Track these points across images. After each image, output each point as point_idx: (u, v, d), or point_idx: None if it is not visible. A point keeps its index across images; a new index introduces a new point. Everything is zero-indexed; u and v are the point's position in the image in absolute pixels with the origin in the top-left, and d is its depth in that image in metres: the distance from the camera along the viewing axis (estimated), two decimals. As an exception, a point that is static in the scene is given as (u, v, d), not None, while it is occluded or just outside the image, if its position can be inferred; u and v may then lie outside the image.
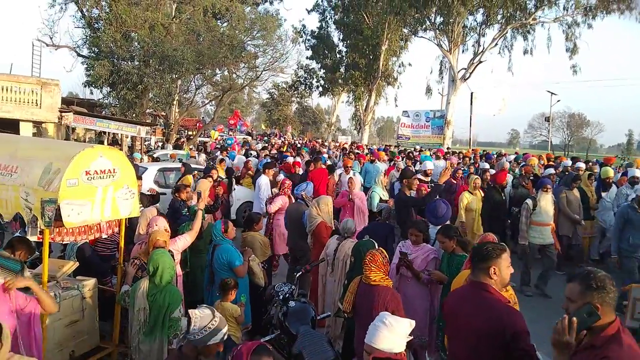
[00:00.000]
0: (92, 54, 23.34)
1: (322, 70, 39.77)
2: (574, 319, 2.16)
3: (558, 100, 42.06)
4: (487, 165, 11.08)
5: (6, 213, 3.71)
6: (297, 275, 5.11)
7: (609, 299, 2.21)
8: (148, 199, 7.25)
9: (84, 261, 4.96)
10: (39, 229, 3.63)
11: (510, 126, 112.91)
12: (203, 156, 16.66)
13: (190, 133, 34.94)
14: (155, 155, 16.62)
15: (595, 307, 2.17)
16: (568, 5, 25.48)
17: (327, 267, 5.37)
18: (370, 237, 4.84)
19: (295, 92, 44.17)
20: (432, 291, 4.85)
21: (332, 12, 37.76)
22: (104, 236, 4.66)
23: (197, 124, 35.96)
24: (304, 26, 38.45)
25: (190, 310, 2.77)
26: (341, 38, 37.87)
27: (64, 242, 4.69)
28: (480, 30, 27.52)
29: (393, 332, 2.58)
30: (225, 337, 2.79)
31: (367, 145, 25.67)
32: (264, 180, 9.56)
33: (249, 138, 29.83)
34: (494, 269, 2.82)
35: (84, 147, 3.81)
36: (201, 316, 2.73)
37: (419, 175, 8.76)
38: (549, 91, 41.24)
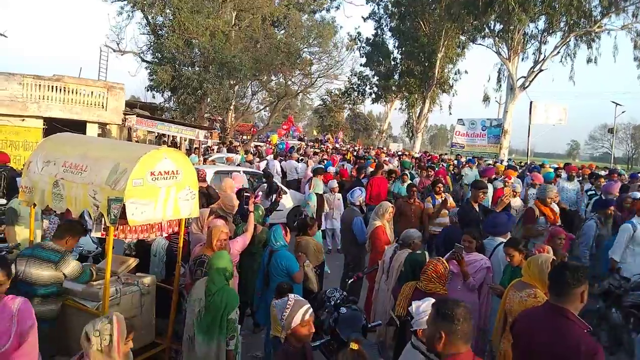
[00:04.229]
0: (156, 60, 24.39)
1: (376, 77, 39.55)
2: None
3: (623, 112, 39.74)
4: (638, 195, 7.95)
5: (75, 210, 3.87)
6: (349, 281, 5.09)
7: (459, 331, 2.26)
8: (204, 199, 7.40)
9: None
10: (102, 226, 3.78)
11: (570, 137, 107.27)
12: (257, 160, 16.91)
13: (245, 137, 35.68)
14: (211, 158, 17.04)
15: (439, 334, 2.26)
16: (638, 12, 24.23)
17: (382, 274, 5.32)
18: (445, 240, 4.78)
19: (348, 98, 44.20)
20: (482, 301, 4.71)
21: (388, 19, 37.52)
22: (164, 235, 4.78)
23: (252, 129, 36.70)
24: (359, 33, 38.39)
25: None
26: (396, 45, 37.56)
27: (126, 240, 4.84)
28: (541, 37, 26.56)
29: None
30: (307, 315, 2.97)
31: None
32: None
33: (302, 143, 30.05)
34: (584, 292, 2.68)
35: (150, 149, 3.92)
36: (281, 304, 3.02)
37: None
38: (613, 101, 39.04)
